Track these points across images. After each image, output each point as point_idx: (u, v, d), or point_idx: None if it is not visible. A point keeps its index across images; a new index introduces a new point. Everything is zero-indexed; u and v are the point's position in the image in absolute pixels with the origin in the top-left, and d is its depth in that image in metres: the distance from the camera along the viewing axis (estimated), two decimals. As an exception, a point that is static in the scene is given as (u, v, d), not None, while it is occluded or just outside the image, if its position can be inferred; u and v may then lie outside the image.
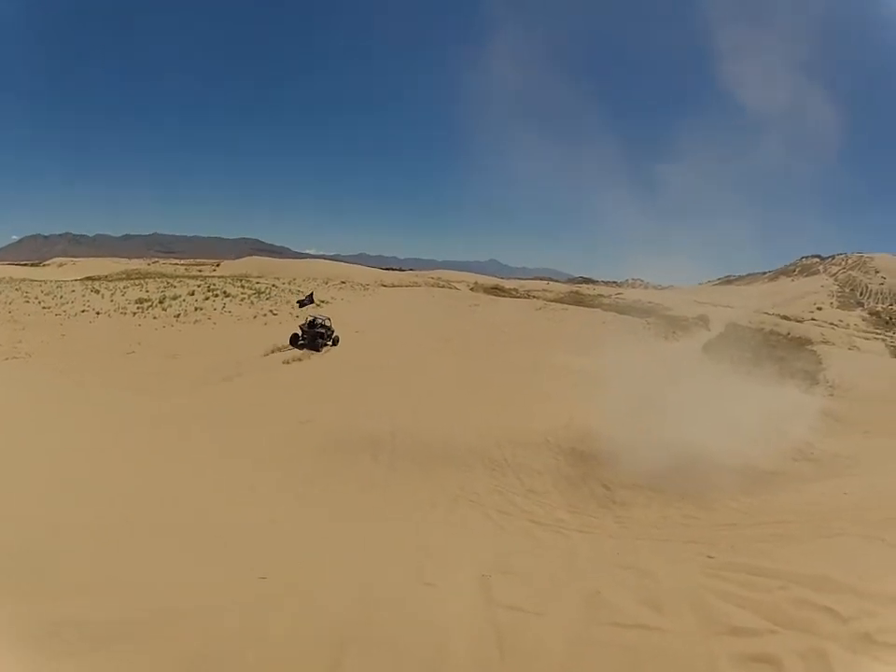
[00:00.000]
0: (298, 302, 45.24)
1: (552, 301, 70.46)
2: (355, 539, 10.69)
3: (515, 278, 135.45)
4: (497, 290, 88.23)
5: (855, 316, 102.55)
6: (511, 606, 7.62)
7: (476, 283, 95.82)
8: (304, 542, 10.38)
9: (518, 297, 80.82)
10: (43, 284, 46.20)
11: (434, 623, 7.01)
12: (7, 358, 26.01)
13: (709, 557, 9.72)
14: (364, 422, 19.85)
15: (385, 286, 67.75)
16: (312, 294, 49.08)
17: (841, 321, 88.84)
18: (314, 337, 34.14)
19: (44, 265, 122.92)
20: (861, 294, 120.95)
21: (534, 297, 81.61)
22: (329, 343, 35.13)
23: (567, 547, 11.27)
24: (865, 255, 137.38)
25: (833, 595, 7.48)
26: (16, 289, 40.48)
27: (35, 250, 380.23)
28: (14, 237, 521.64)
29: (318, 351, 33.53)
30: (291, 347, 33.53)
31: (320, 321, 35.61)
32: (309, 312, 40.45)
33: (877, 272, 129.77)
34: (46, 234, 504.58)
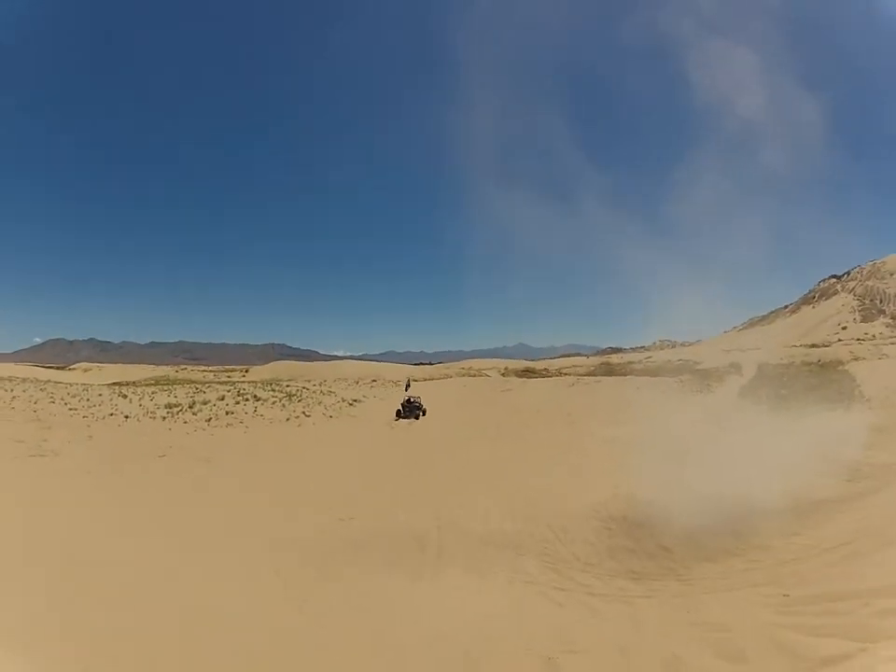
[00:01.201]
0: (405, 386, 55.02)
1: (583, 376, 69.95)
2: (402, 635, 10.06)
3: (544, 358, 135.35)
4: (528, 373, 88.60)
5: (879, 325, 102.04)
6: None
7: (506, 368, 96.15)
8: (354, 645, 9.70)
9: (549, 376, 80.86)
10: (69, 386, 45.73)
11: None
12: (32, 455, 25.32)
13: (784, 595, 9.30)
14: (407, 516, 19.38)
15: (415, 381, 67.56)
16: (409, 381, 59.84)
17: (867, 334, 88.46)
18: (412, 410, 43.26)
19: (69, 369, 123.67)
20: (881, 302, 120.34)
21: (565, 374, 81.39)
22: (422, 414, 43.42)
23: (632, 614, 10.64)
24: (878, 261, 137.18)
25: None
26: (41, 390, 40.24)
27: (58, 354, 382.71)
28: (37, 339, 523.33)
29: (417, 419, 42.27)
30: (397, 419, 42.09)
31: (415, 399, 44.98)
32: (406, 394, 48.25)
33: (892, 274, 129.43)
34: (70, 339, 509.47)
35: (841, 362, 57.73)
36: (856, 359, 58.82)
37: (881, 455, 23.01)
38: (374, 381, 65.91)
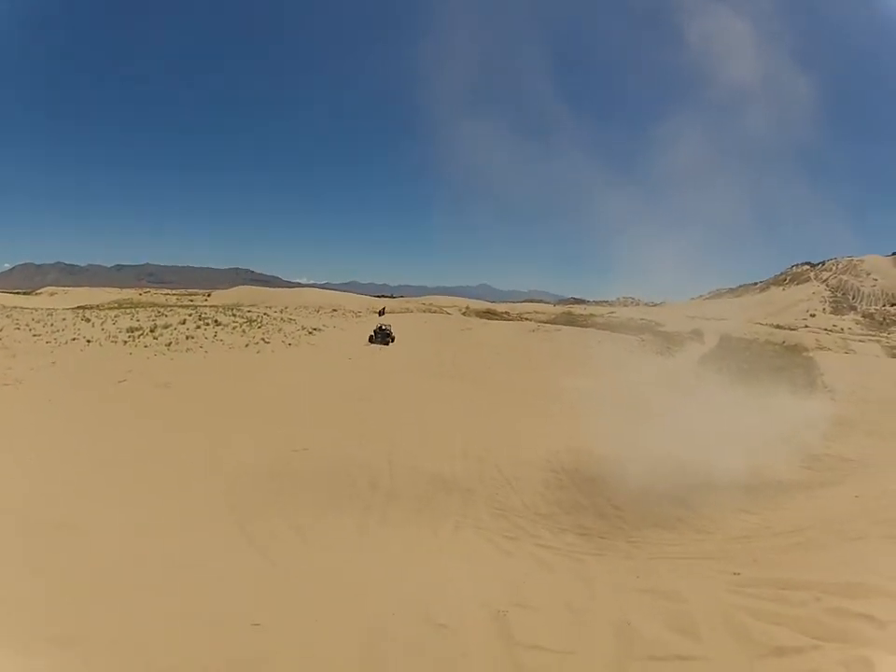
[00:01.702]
0: (377, 313, 65.36)
1: (544, 323, 69.89)
2: (355, 579, 9.95)
3: (507, 301, 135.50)
4: (489, 314, 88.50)
5: (849, 320, 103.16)
6: (534, 645, 7.10)
7: (468, 307, 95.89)
8: (303, 585, 9.62)
9: (511, 319, 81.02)
10: (34, 311, 45.12)
11: (450, 669, 6.52)
12: (-3, 385, 25.39)
13: (735, 574, 9.30)
14: (360, 451, 19.36)
15: (376, 312, 67.57)
16: (384, 308, 70.11)
17: (835, 326, 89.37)
18: (383, 336, 47.03)
19: (36, 294, 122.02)
20: (853, 298, 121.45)
21: (526, 319, 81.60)
22: (391, 340, 47.00)
23: (582, 572, 10.63)
24: (855, 258, 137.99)
25: (869, 601, 7.21)
26: (7, 316, 39.86)
27: (26, 278, 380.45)
28: (6, 265, 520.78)
29: (387, 345, 45.94)
30: (369, 343, 46.09)
31: (386, 327, 48.72)
32: (379, 321, 54.50)
33: (868, 273, 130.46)
34: (38, 263, 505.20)
35: (806, 348, 58.24)
36: (821, 348, 59.35)
37: (837, 447, 23.09)
38: (335, 310, 66.13)
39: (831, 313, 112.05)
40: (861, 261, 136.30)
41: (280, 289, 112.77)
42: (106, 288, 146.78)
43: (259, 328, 42.31)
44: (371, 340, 47.07)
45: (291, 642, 7.02)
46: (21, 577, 8.58)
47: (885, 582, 7.74)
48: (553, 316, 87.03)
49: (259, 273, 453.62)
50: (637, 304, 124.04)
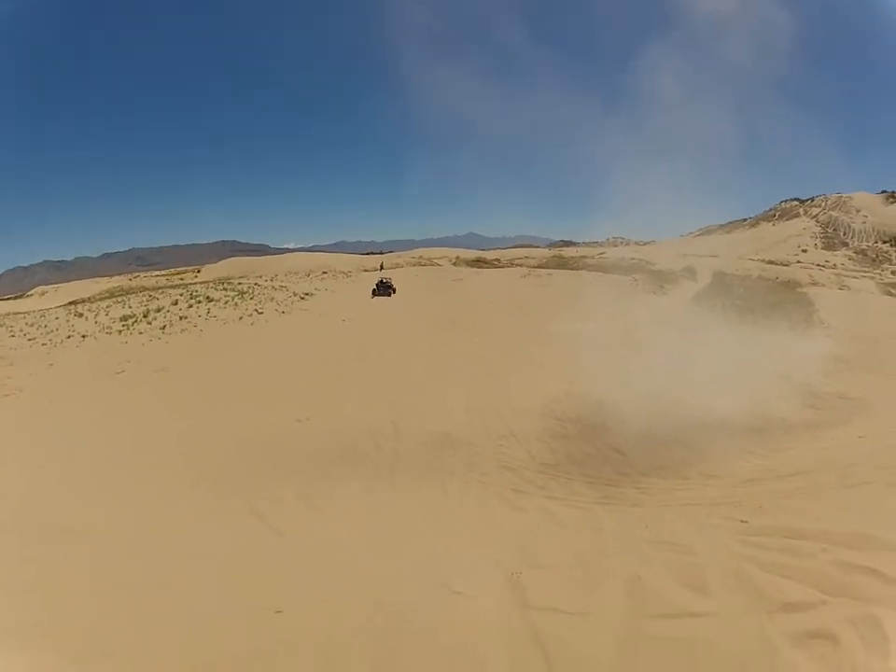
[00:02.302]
0: (379, 268, 68.14)
1: (535, 268, 70.63)
2: (365, 547, 9.93)
3: (496, 248, 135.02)
4: (479, 262, 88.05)
5: (841, 256, 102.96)
6: (549, 607, 7.12)
7: (458, 257, 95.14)
8: (316, 560, 9.51)
9: (501, 266, 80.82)
10: (27, 315, 45.52)
11: (469, 638, 6.49)
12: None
13: (742, 522, 9.36)
14: (361, 414, 19.46)
15: (366, 270, 67.70)
16: (383, 263, 73.37)
17: (828, 262, 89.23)
18: (385, 288, 48.41)
19: (27, 296, 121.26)
20: (844, 234, 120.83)
21: (517, 265, 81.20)
22: (393, 292, 48.41)
23: (591, 523, 10.69)
24: (845, 195, 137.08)
25: (876, 554, 7.18)
26: (0, 325, 39.59)
27: (16, 282, 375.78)
28: None
29: (389, 297, 47.54)
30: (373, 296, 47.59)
31: (387, 280, 50.13)
32: (380, 275, 55.20)
33: (858, 210, 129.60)
34: (25, 265, 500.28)
35: (799, 284, 57.95)
36: (815, 284, 59.11)
37: (837, 385, 23.11)
38: (325, 273, 65.67)
39: (822, 248, 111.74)
40: (851, 198, 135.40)
41: (269, 257, 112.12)
42: (96, 279, 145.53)
43: (251, 299, 42.34)
44: (373, 294, 48.31)
45: (310, 626, 6.98)
46: (36, 582, 8.54)
47: (890, 535, 7.68)
48: (543, 260, 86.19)
49: (246, 243, 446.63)
50: (628, 244, 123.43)
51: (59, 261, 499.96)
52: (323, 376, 24.41)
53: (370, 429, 17.95)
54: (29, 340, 34.35)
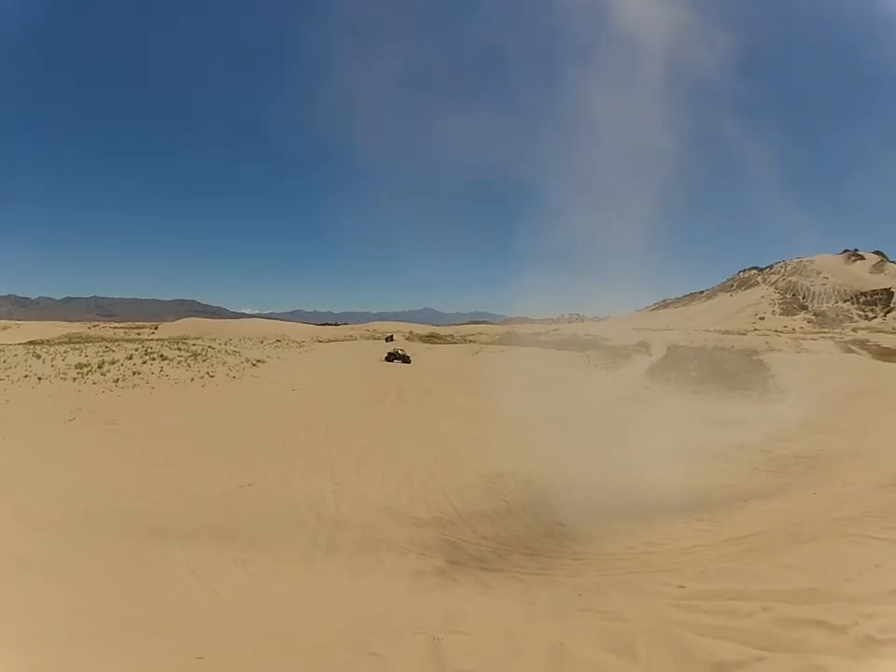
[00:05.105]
0: (385, 339, 71.71)
1: (488, 344, 70.97)
2: (296, 610, 9.74)
3: (451, 324, 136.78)
4: (432, 338, 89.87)
5: (800, 320, 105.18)
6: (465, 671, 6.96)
7: (411, 332, 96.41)
8: (246, 618, 9.41)
9: (454, 342, 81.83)
10: None
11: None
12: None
13: (680, 587, 9.02)
14: (304, 483, 19.04)
15: (320, 341, 68.28)
16: (391, 335, 77.49)
17: (786, 327, 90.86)
18: (397, 358, 52.71)
19: None
20: (804, 298, 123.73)
21: (470, 341, 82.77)
22: (403, 361, 52.21)
23: (524, 593, 10.42)
24: (805, 259, 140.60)
25: (824, 606, 7.05)
26: None
27: None
28: None
29: (406, 363, 51.89)
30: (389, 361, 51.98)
31: (400, 351, 54.82)
32: (391, 346, 60.08)
33: (819, 273, 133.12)
34: None
35: (756, 351, 59.05)
36: (772, 350, 60.11)
37: (796, 446, 23.35)
38: (279, 341, 66.38)
39: (781, 314, 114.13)
40: (812, 261, 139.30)
41: (225, 320, 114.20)
42: (57, 322, 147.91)
43: (204, 361, 42.16)
44: (386, 359, 53.52)
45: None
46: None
47: (839, 585, 7.60)
48: (497, 337, 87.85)
49: (205, 305, 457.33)
50: (582, 320, 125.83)
51: (23, 297, 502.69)
52: (269, 444, 24.05)
53: (311, 499, 17.62)
54: (-14, 374, 34.28)
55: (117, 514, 15.38)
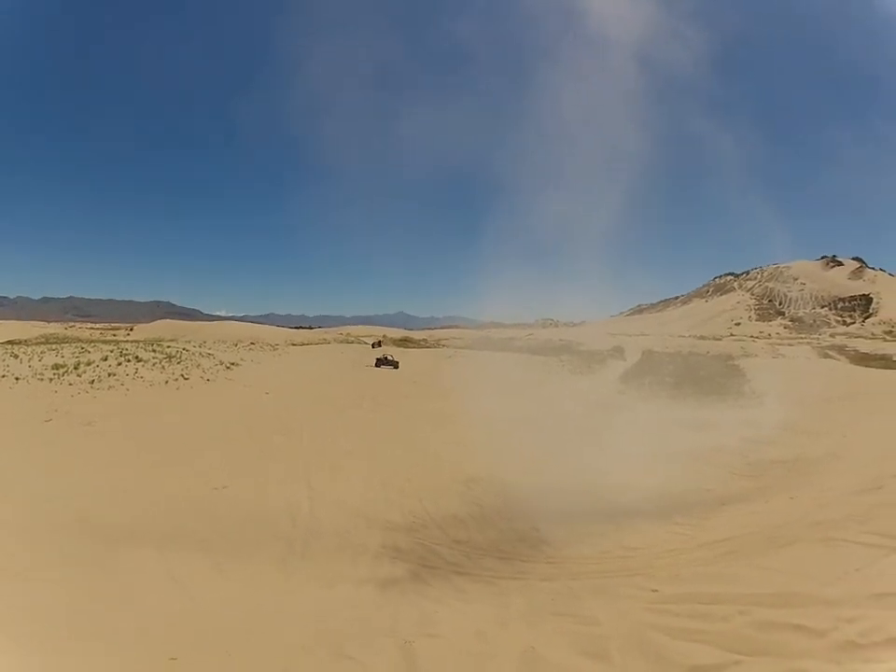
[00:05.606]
0: (372, 345, 73.87)
1: (462, 349, 71.56)
2: (271, 614, 9.69)
3: (426, 328, 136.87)
4: (406, 342, 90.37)
5: (776, 325, 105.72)
6: (437, 675, 6.88)
7: (384, 336, 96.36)
8: (221, 622, 9.30)
9: (428, 347, 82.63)
10: None
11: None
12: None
13: (653, 591, 8.94)
14: (279, 487, 18.79)
15: (294, 345, 68.44)
16: (380, 341, 79.98)
17: (762, 332, 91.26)
18: (388, 362, 53.78)
19: None
20: (780, 304, 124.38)
21: (444, 345, 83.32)
22: (393, 367, 53.11)
23: (497, 597, 10.34)
24: (782, 265, 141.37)
25: (802, 610, 6.97)
26: None
27: None
28: None
29: (395, 368, 52.95)
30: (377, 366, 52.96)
31: (389, 357, 55.58)
32: (379, 351, 62.73)
33: (796, 279, 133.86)
34: None
35: (731, 357, 59.13)
36: (747, 355, 60.36)
37: (774, 450, 23.32)
38: (253, 343, 66.41)
39: (757, 320, 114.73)
40: (789, 267, 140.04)
41: (199, 323, 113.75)
42: (34, 322, 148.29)
43: (179, 363, 42.17)
44: (376, 364, 54.46)
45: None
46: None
47: (819, 589, 7.52)
48: (470, 342, 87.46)
49: (180, 307, 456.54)
50: (557, 325, 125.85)
51: (2, 297, 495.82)
52: (243, 446, 23.81)
53: (287, 504, 17.39)
54: (-36, 374, 34.31)
55: (89, 517, 15.15)
